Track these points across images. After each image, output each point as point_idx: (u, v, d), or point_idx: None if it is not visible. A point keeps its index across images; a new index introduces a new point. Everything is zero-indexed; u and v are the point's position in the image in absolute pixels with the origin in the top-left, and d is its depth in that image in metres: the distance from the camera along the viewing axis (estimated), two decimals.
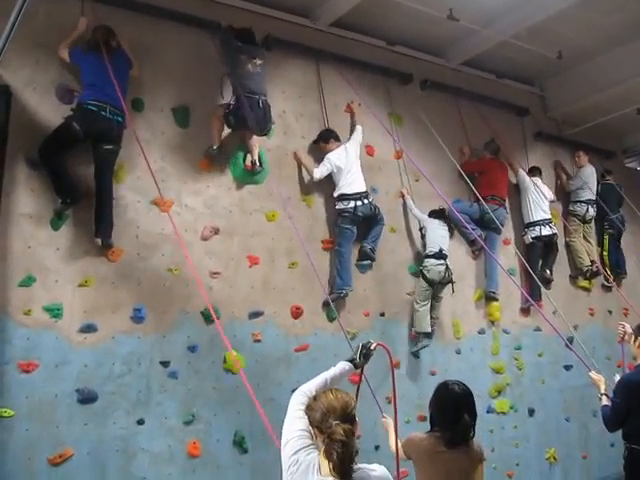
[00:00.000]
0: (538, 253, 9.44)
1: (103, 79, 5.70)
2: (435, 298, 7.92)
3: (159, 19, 6.76)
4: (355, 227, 7.47)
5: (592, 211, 10.25)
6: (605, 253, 10.67)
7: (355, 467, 3.13)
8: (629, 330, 5.88)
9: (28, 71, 5.92)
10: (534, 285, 9.01)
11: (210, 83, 6.93)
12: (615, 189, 10.64)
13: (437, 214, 8.09)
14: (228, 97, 6.76)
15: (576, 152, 10.53)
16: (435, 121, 8.53)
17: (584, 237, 10.32)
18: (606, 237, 10.68)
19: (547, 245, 9.49)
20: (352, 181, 7.47)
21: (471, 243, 8.56)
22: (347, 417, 3.17)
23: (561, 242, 10.12)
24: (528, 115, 10.18)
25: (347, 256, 7.37)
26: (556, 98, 10.39)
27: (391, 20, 8.11)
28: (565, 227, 10.15)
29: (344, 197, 7.41)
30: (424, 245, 8.04)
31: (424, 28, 8.35)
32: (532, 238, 9.32)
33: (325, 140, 7.58)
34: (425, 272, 7.74)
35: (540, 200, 9.40)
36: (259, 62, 6.75)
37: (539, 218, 9.36)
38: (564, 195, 10.36)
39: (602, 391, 5.60)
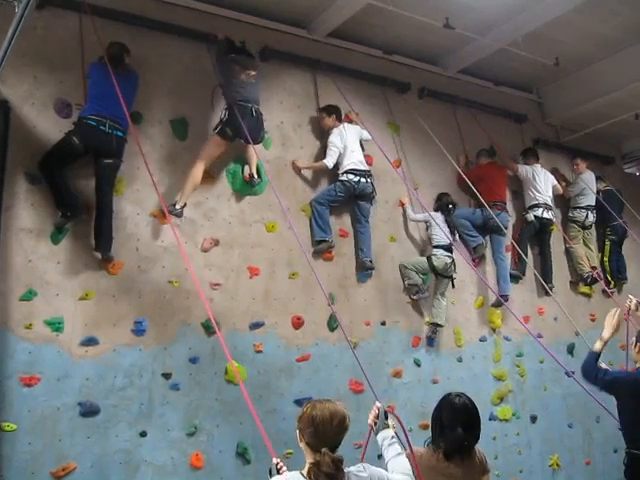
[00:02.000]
0: (532, 233, 9.48)
1: (108, 93, 5.70)
2: (440, 292, 8.07)
3: (156, 32, 6.81)
4: (344, 199, 7.61)
5: (592, 217, 10.24)
6: (606, 259, 10.65)
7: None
8: (634, 303, 5.97)
9: (26, 86, 5.96)
10: (520, 260, 9.08)
11: (208, 95, 6.97)
12: (616, 195, 10.63)
13: (440, 205, 8.26)
14: (219, 108, 6.81)
15: (574, 159, 10.56)
16: (433, 129, 8.53)
17: (584, 243, 10.32)
18: (608, 243, 10.65)
19: (541, 230, 9.53)
20: (358, 160, 7.61)
21: (472, 251, 8.57)
22: (338, 444, 3.21)
23: (561, 248, 10.14)
24: (526, 122, 10.19)
25: (323, 212, 7.44)
26: (554, 105, 10.41)
27: (387, 29, 8.14)
28: (565, 234, 10.15)
29: (352, 171, 7.53)
30: (429, 237, 8.17)
31: (421, 37, 8.38)
32: (534, 216, 9.34)
33: (329, 113, 7.71)
34: (434, 259, 7.91)
35: (542, 185, 9.47)
36: (253, 73, 6.79)
37: (542, 201, 9.40)
38: (563, 202, 10.37)
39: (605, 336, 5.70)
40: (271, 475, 3.41)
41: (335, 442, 3.20)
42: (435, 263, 7.88)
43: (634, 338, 5.63)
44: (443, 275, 7.99)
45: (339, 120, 7.71)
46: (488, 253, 8.93)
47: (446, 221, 8.15)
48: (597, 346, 5.62)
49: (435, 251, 7.97)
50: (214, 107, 6.95)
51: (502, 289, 8.70)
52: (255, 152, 6.87)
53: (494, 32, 8.16)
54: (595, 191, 10.35)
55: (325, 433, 3.20)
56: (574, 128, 10.70)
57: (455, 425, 4.03)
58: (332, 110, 7.73)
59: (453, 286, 8.15)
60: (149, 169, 5.72)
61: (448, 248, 7.97)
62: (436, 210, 8.23)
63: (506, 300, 8.63)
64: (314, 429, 3.22)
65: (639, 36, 8.55)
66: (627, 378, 5.42)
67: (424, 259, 8.00)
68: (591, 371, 5.50)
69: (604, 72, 9.28)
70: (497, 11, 7.75)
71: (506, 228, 8.90)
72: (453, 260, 7.98)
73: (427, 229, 8.23)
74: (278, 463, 3.44)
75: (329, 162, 7.49)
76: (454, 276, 8.08)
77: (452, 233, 8.16)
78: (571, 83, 9.89)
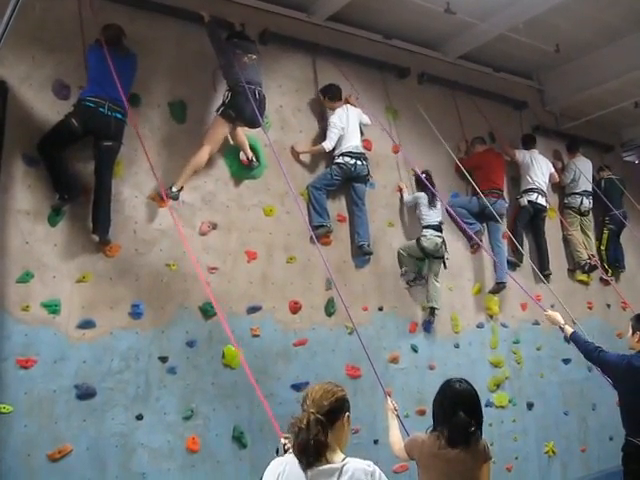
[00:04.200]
0: (527, 218, 9.49)
1: (107, 75, 5.67)
2: (432, 271, 8.09)
3: (155, 13, 6.75)
4: (341, 182, 7.61)
5: (587, 202, 10.25)
6: (603, 248, 10.65)
7: (339, 459, 3.16)
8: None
9: (24, 67, 5.91)
10: (517, 247, 9.09)
11: (207, 78, 6.95)
12: (616, 184, 10.61)
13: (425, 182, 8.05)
14: (221, 90, 6.77)
15: (566, 148, 10.64)
16: (432, 115, 8.54)
17: (582, 230, 10.32)
18: (606, 232, 10.66)
19: (536, 215, 9.56)
20: (355, 142, 7.61)
21: (470, 238, 8.55)
22: (322, 408, 3.18)
23: (559, 236, 10.16)
24: (526, 109, 10.18)
25: (320, 197, 7.42)
26: (554, 91, 10.40)
27: (388, 14, 8.11)
28: (562, 222, 10.17)
29: (348, 154, 7.52)
30: (419, 218, 8.08)
31: (421, 22, 8.34)
32: (527, 201, 9.37)
33: (323, 95, 7.76)
34: (423, 240, 7.86)
35: (538, 170, 9.47)
36: (254, 57, 6.75)
37: (537, 186, 9.42)
38: (561, 189, 10.39)
39: (562, 323, 5.94)
40: (278, 454, 3.43)
41: (320, 406, 3.18)
42: (424, 244, 7.83)
43: (630, 328, 5.60)
44: (434, 256, 7.97)
45: (331, 100, 7.70)
46: (485, 240, 8.89)
47: (433, 200, 8.01)
48: (569, 330, 5.84)
49: (424, 232, 7.92)
50: (216, 89, 6.93)
51: (499, 276, 8.69)
52: (244, 134, 6.93)
53: (495, 18, 8.14)
54: (590, 177, 10.35)
55: (312, 394, 3.25)
56: (574, 115, 10.69)
57: (457, 410, 4.05)
58: (325, 91, 7.75)
59: (445, 267, 8.14)
60: (146, 152, 5.75)
61: (437, 228, 7.95)
62: (422, 190, 8.13)
63: (503, 287, 8.65)
64: (305, 395, 3.30)
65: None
66: (619, 362, 5.40)
67: (414, 242, 7.97)
68: (592, 351, 5.55)
69: (605, 60, 9.29)
70: None
71: (503, 215, 8.91)
72: (443, 240, 7.95)
73: (416, 210, 8.18)
74: (286, 444, 3.46)
75: (328, 145, 7.47)
76: (446, 256, 8.07)
77: (434, 201, 8.02)
78: (571, 70, 9.89)
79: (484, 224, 8.84)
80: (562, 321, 5.93)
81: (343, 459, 3.15)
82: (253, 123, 6.61)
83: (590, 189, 10.27)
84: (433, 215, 7.96)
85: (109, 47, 5.85)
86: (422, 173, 8.02)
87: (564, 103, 10.47)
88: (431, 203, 7.97)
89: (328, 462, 3.11)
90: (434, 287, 8.02)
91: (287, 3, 7.72)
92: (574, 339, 5.73)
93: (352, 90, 7.92)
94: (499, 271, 8.70)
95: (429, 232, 7.89)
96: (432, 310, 7.99)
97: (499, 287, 8.71)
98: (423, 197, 8.04)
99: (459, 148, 9.08)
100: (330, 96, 7.70)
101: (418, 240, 7.89)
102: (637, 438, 5.26)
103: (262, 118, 6.67)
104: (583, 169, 10.27)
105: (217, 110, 6.63)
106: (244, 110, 6.46)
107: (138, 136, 5.78)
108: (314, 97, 7.87)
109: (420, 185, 8.14)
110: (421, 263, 8.07)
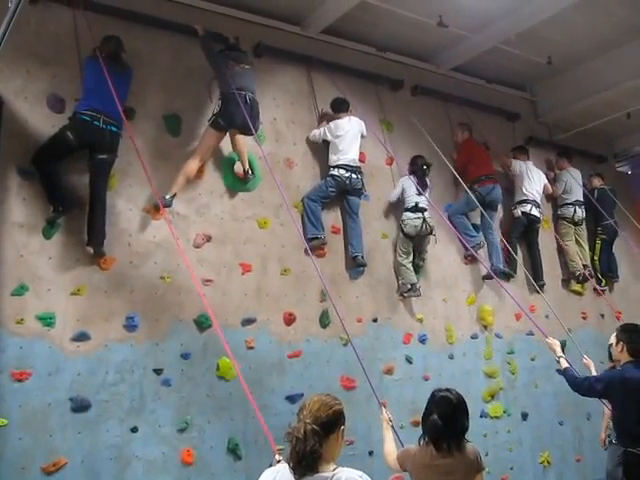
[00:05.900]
0: (521, 229, 9.52)
1: (102, 88, 5.71)
2: (419, 251, 8.23)
3: (150, 27, 6.81)
4: (336, 195, 7.65)
5: (580, 212, 10.28)
6: (596, 258, 10.67)
7: (330, 469, 3.18)
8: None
9: (19, 81, 5.95)
10: (511, 256, 9.11)
11: (202, 91, 6.97)
12: (609, 194, 10.64)
13: (414, 169, 8.13)
14: (216, 100, 6.78)
15: (556, 158, 10.69)
16: (426, 127, 8.55)
17: (577, 241, 10.34)
18: (598, 242, 10.69)
19: (530, 226, 9.57)
20: (352, 155, 7.65)
21: (466, 248, 8.49)
22: (319, 420, 3.20)
23: (553, 246, 10.18)
24: (519, 120, 10.23)
25: (315, 209, 7.46)
26: (547, 103, 10.45)
27: (381, 27, 8.16)
28: (556, 231, 10.21)
29: (343, 167, 7.56)
30: (403, 201, 8.15)
31: (414, 34, 8.40)
32: (521, 212, 9.40)
33: (334, 109, 7.87)
34: (403, 226, 8.02)
35: (532, 182, 9.53)
36: (246, 66, 6.79)
37: (531, 198, 9.46)
38: (554, 199, 10.42)
39: (558, 354, 5.81)
40: None
41: (317, 417, 3.20)
42: (406, 230, 7.98)
43: (614, 337, 5.64)
44: (421, 236, 8.08)
45: (335, 112, 7.79)
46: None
47: (420, 182, 7.95)
48: (564, 363, 5.72)
49: (403, 216, 8.02)
50: (212, 100, 6.96)
51: (494, 264, 8.70)
52: (245, 144, 6.95)
53: (487, 30, 8.19)
54: (581, 186, 10.38)
55: (310, 405, 3.27)
56: (567, 126, 10.74)
57: (432, 414, 4.07)
58: (331, 104, 7.86)
59: (436, 242, 8.29)
60: (143, 163, 5.76)
61: (416, 209, 7.96)
62: (410, 173, 8.09)
63: (503, 273, 8.68)
64: (302, 406, 3.32)
65: (632, 35, 8.60)
66: (613, 377, 5.44)
67: (400, 233, 8.09)
68: (580, 383, 5.53)
69: (597, 71, 9.34)
70: (490, 9, 7.79)
71: (500, 202, 8.97)
72: (424, 219, 7.95)
73: (401, 193, 8.18)
74: (280, 460, 3.48)
75: (312, 135, 7.74)
76: (434, 233, 8.14)
77: (424, 187, 8.00)
78: (564, 81, 9.93)
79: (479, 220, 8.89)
80: (560, 353, 5.92)
81: (334, 469, 3.18)
82: (245, 129, 6.55)
83: (581, 198, 10.31)
84: (414, 197, 7.99)
85: (106, 60, 5.89)
86: (418, 158, 8.23)
87: (557, 114, 10.51)
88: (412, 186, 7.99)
89: (319, 472, 3.14)
90: (419, 264, 8.24)
91: (281, 16, 7.77)
92: (565, 374, 5.71)
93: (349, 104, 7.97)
94: (494, 259, 8.70)
95: (406, 215, 7.99)
96: (413, 285, 7.96)
97: (500, 273, 8.72)
98: (405, 179, 8.07)
99: (453, 158, 9.10)
100: (333, 108, 7.82)
101: (400, 227, 8.05)
102: (637, 448, 5.27)
103: (256, 124, 6.68)
104: (575, 179, 10.30)
105: (209, 120, 6.65)
106: (235, 116, 6.45)
107: (135, 149, 5.80)
108: (308, 109, 7.92)
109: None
110: (418, 276, 8.11)
